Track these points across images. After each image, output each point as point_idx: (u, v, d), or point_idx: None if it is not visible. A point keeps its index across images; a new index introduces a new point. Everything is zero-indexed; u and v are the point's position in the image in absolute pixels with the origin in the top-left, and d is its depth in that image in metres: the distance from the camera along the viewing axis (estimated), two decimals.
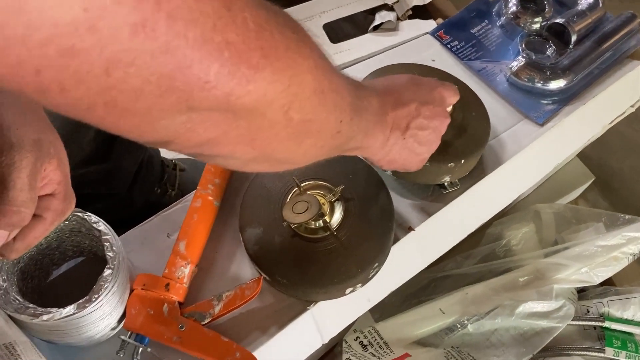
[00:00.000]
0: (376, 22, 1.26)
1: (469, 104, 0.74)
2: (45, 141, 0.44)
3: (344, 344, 0.80)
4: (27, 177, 0.41)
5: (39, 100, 0.24)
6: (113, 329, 0.58)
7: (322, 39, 1.24)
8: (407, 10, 1.28)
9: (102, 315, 0.54)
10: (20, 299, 0.51)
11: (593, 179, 1.10)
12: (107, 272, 0.53)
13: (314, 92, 0.35)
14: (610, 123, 0.90)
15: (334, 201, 0.64)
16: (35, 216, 0.44)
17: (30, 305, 0.50)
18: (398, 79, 0.57)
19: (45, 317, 0.50)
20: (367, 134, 0.49)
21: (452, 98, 0.61)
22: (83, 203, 0.84)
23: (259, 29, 0.28)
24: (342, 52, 1.22)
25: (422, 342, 0.82)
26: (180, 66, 0.25)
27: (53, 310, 0.50)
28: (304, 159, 0.42)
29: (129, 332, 0.58)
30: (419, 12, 1.29)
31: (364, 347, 0.79)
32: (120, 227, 0.84)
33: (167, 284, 0.60)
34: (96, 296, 0.52)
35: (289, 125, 0.35)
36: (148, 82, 0.24)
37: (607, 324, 0.85)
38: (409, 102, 0.54)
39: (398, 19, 1.27)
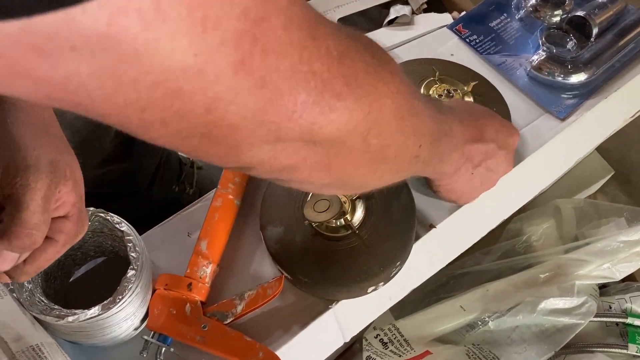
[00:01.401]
0: (391, 17, 1.25)
1: (489, 99, 0.73)
2: (62, 162, 0.44)
3: (364, 342, 0.79)
4: (41, 199, 0.40)
5: (136, 134, 0.24)
6: (136, 329, 0.58)
7: None
8: (422, 4, 1.27)
9: (125, 315, 0.54)
10: (45, 301, 0.51)
11: (612, 173, 1.09)
12: (130, 273, 0.53)
13: (394, 117, 0.35)
14: (632, 117, 0.89)
15: (355, 199, 0.63)
16: (47, 238, 0.43)
17: (56, 306, 0.50)
18: (480, 111, 0.57)
19: (70, 319, 0.50)
20: (442, 160, 0.49)
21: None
22: (103, 202, 0.85)
23: (341, 57, 0.28)
24: None
25: (443, 340, 0.81)
26: (272, 99, 0.25)
27: (78, 311, 0.50)
28: (378, 184, 0.42)
29: (152, 332, 0.58)
30: (434, 6, 1.28)
31: (385, 344, 0.78)
32: (138, 226, 0.85)
33: (190, 284, 0.60)
34: (120, 297, 0.52)
35: (367, 151, 0.35)
36: (244, 117, 0.25)
37: (629, 320, 0.83)
38: (489, 141, 0.54)
39: (413, 12, 1.26)
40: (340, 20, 1.26)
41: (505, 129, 0.58)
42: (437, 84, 0.71)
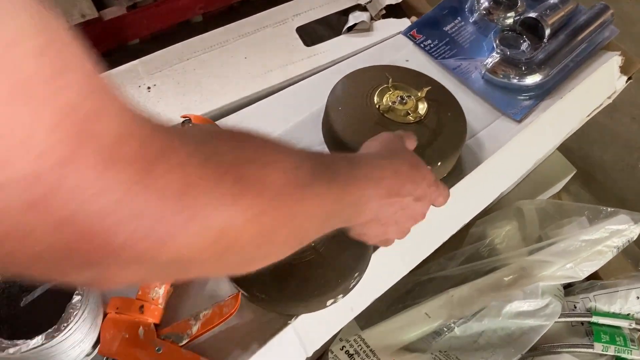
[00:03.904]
0: (350, 23, 1.24)
1: (445, 104, 0.73)
2: None
3: (329, 354, 0.78)
4: None
5: None
6: (88, 355, 0.56)
7: (295, 42, 1.22)
8: (381, 10, 1.27)
9: (73, 343, 0.52)
10: None
11: (575, 172, 1.09)
12: (75, 298, 0.51)
13: (253, 238, 0.32)
14: (588, 116, 0.89)
15: None
16: None
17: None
18: (403, 163, 0.51)
19: (11, 350, 0.48)
20: (344, 223, 0.46)
21: (439, 202, 0.58)
22: None
23: (182, 194, 0.26)
24: (316, 55, 1.20)
25: (410, 348, 0.80)
26: (83, 237, 0.23)
27: (20, 342, 0.48)
28: (260, 267, 0.38)
29: (105, 358, 0.56)
30: (392, 11, 1.28)
31: (351, 356, 0.77)
32: None
33: (142, 306, 0.58)
34: (65, 324, 0.50)
35: (222, 263, 0.32)
36: (48, 249, 0.23)
37: (594, 319, 0.84)
38: (405, 195, 0.50)
39: (372, 18, 1.26)
40: (299, 28, 1.25)
41: (426, 180, 0.53)
42: (390, 91, 0.70)
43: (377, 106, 0.69)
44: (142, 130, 0.25)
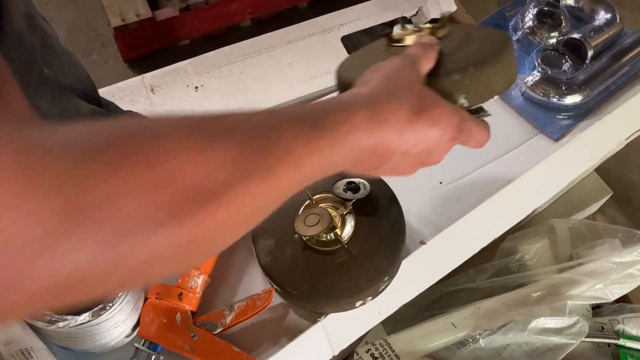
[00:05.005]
0: None
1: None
2: None
3: (355, 356, 0.80)
4: None
5: None
6: (127, 336, 0.60)
7: (339, 51, 1.25)
8: (426, 23, 1.29)
9: (115, 323, 0.56)
10: None
11: (611, 194, 1.09)
12: None
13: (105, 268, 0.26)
14: (627, 139, 0.89)
15: (346, 214, 0.64)
16: None
17: (47, 312, 0.52)
18: (401, 107, 0.40)
19: (61, 324, 0.51)
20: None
21: (472, 143, 0.46)
22: None
23: (24, 247, 0.24)
24: None
25: (434, 356, 0.82)
26: None
27: (69, 317, 0.52)
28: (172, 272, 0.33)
29: (143, 340, 0.59)
30: None
31: (375, 359, 0.79)
32: None
33: (180, 294, 0.61)
34: (110, 304, 0.53)
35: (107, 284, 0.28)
36: None
37: (621, 342, 0.84)
38: (392, 153, 0.40)
39: None
40: (344, 37, 1.28)
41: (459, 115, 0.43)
42: None
43: None
44: None
